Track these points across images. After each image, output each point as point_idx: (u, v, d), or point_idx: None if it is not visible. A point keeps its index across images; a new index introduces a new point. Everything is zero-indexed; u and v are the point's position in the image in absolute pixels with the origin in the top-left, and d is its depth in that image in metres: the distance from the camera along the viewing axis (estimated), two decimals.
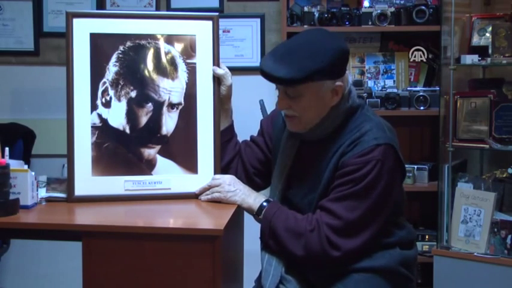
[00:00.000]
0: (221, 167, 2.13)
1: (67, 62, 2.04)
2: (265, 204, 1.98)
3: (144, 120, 2.08)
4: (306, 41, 1.93)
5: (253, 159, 2.17)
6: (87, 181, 2.04)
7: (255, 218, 2.00)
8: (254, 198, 2.01)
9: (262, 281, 1.94)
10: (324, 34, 1.95)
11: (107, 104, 2.06)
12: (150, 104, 2.08)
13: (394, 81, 3.34)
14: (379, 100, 3.16)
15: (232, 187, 2.03)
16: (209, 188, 2.06)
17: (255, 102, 3.09)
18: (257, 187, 2.15)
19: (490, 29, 2.95)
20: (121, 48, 2.06)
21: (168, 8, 3.42)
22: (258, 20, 3.42)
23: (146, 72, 2.08)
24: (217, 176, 2.08)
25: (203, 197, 2.06)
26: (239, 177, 2.11)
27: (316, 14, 3.20)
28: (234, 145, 2.19)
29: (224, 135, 2.16)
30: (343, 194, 1.87)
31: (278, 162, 2.07)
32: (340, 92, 1.93)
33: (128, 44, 2.07)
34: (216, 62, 2.12)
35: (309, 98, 1.90)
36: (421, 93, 3.17)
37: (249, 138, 2.24)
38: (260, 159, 2.17)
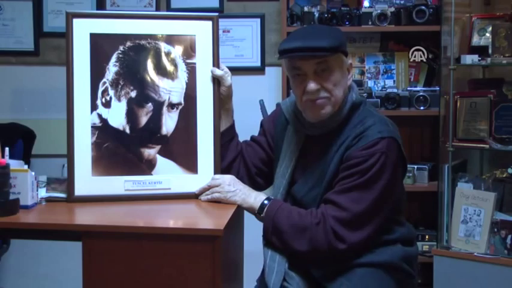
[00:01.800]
0: (223, 168, 2.13)
1: (67, 62, 2.04)
2: (266, 202, 1.98)
3: (144, 120, 2.08)
4: (314, 26, 2.07)
5: (256, 158, 2.17)
6: (87, 181, 2.04)
7: (256, 217, 2.00)
8: (254, 198, 2.01)
9: (265, 277, 1.94)
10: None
11: (107, 104, 2.06)
12: (150, 104, 2.08)
13: (394, 81, 3.34)
14: (379, 100, 3.17)
15: (232, 187, 2.03)
16: (209, 188, 2.06)
17: (255, 102, 3.09)
18: (259, 187, 2.15)
19: (490, 29, 2.95)
20: (121, 48, 2.07)
21: (168, 8, 3.42)
22: (258, 20, 3.43)
23: (146, 72, 2.08)
24: (217, 176, 2.08)
25: (203, 197, 2.06)
26: (241, 177, 2.12)
27: (316, 14, 3.20)
28: (235, 145, 2.19)
29: (225, 136, 2.16)
30: (348, 186, 1.88)
31: (282, 159, 2.07)
32: (351, 70, 2.01)
33: (128, 44, 2.07)
34: (216, 62, 2.12)
35: (337, 73, 1.94)
36: (421, 93, 3.17)
37: (249, 138, 2.24)
38: (262, 158, 2.17)
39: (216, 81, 2.12)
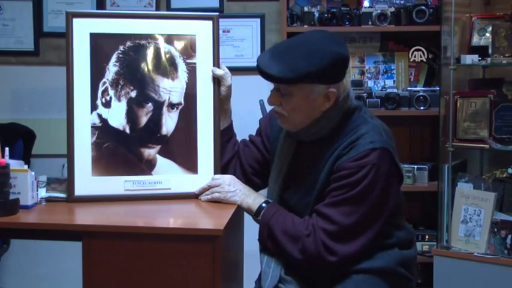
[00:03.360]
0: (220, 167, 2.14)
1: (67, 62, 2.04)
2: (264, 205, 1.98)
3: (144, 120, 2.08)
4: (306, 41, 1.91)
5: (251, 159, 2.17)
6: (87, 181, 2.04)
7: (253, 218, 2.00)
8: (253, 199, 2.01)
9: (261, 282, 1.94)
10: (326, 37, 1.92)
11: (107, 104, 2.06)
12: (150, 104, 2.08)
13: (394, 81, 3.34)
14: (379, 100, 3.17)
15: (232, 187, 2.03)
16: (209, 188, 2.06)
17: (255, 102, 3.09)
18: (256, 186, 2.15)
19: (490, 29, 2.95)
20: (121, 48, 2.06)
21: (168, 8, 3.42)
22: (258, 20, 3.43)
23: (146, 72, 2.08)
24: (217, 176, 2.08)
25: (203, 197, 2.06)
26: (237, 177, 2.11)
27: (316, 14, 3.20)
28: (233, 145, 2.19)
29: (223, 135, 2.16)
30: (338, 199, 1.86)
31: (275, 163, 2.07)
32: (333, 98, 1.90)
33: (128, 44, 2.07)
34: (216, 62, 2.12)
35: (299, 100, 1.90)
36: (421, 93, 3.17)
37: (248, 138, 2.24)
38: (258, 159, 2.17)
39: (217, 81, 2.12)
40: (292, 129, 1.98)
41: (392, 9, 3.18)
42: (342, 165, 1.88)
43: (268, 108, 3.00)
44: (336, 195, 1.87)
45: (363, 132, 1.89)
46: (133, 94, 2.07)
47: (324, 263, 1.87)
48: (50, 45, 3.47)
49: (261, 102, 3.08)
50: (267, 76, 1.89)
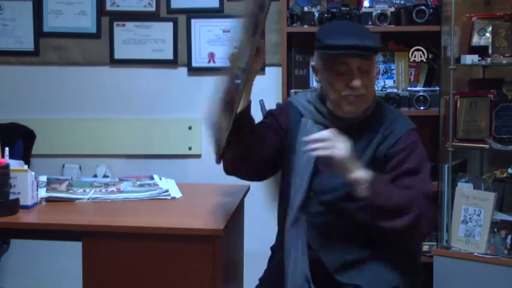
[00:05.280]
0: (243, 152, 2.01)
1: None
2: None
3: None
4: (353, 24, 2.40)
5: (270, 146, 2.09)
6: None
7: (354, 186, 1.91)
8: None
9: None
10: None
11: None
12: None
13: (394, 81, 3.34)
14: None
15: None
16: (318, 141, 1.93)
17: (255, 102, 3.07)
18: (264, 174, 2.13)
19: (490, 29, 2.95)
20: None
21: (168, 8, 3.42)
22: None
23: None
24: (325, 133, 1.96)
25: (316, 153, 1.92)
26: (259, 161, 2.05)
27: (316, 14, 3.19)
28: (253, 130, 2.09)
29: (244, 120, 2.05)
30: (412, 168, 2.02)
31: (303, 150, 1.98)
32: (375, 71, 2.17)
33: None
34: None
35: (372, 74, 2.04)
36: (421, 93, 3.17)
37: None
38: (276, 146, 2.09)
39: None
40: (359, 113, 2.03)
41: (392, 9, 3.18)
42: (391, 153, 2.02)
43: (269, 108, 3.00)
44: (403, 181, 1.99)
45: (396, 117, 2.09)
46: None
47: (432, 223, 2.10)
48: (50, 45, 3.45)
49: (261, 102, 3.07)
50: (367, 49, 1.97)
